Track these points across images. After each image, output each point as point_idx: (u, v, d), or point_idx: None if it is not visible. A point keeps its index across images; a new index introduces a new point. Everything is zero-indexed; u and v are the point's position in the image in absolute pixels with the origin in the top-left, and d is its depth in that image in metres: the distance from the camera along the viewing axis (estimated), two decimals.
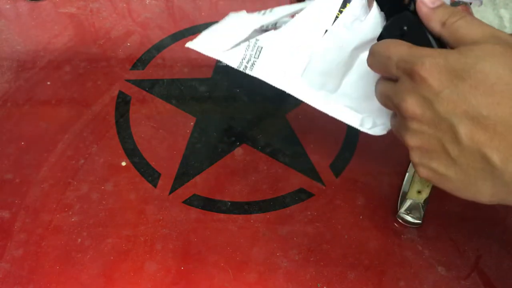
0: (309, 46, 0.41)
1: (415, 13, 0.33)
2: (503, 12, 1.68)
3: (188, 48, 0.43)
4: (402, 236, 0.46)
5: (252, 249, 0.44)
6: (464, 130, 0.27)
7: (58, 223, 0.45)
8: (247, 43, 0.43)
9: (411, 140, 0.31)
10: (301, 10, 0.42)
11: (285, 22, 0.43)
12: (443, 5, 0.32)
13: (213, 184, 0.49)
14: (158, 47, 0.61)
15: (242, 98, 0.56)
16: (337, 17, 0.40)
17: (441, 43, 0.32)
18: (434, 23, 0.32)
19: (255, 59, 0.42)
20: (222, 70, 0.58)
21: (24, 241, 0.44)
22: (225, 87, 0.57)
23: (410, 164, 0.49)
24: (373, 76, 0.37)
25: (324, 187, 0.49)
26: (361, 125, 0.41)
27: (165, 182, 0.49)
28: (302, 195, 0.48)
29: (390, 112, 0.38)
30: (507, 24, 1.65)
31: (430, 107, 0.29)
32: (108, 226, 0.45)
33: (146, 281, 0.42)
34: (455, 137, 0.28)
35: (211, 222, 0.46)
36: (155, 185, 0.48)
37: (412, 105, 0.29)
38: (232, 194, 0.48)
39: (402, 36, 0.34)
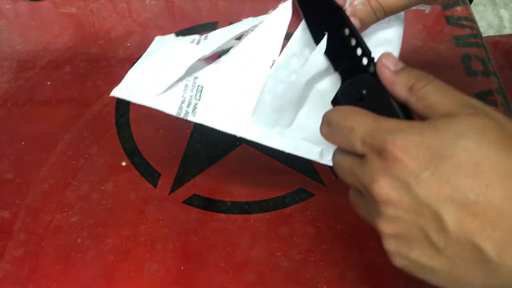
0: (256, 80, 0.36)
1: (375, 75, 0.29)
2: (503, 12, 1.68)
3: None
4: None
5: (252, 249, 0.44)
6: (450, 217, 0.24)
7: (58, 223, 0.45)
8: (184, 82, 0.37)
9: (385, 227, 0.27)
10: (241, 34, 0.37)
11: (226, 52, 0.38)
12: (407, 68, 0.29)
13: (213, 184, 0.49)
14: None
15: None
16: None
17: (406, 110, 0.29)
18: (399, 88, 0.28)
19: (196, 101, 0.36)
20: None
21: (24, 241, 0.44)
22: None
23: None
24: (330, 106, 0.34)
25: (324, 187, 0.49)
26: (320, 157, 0.38)
27: (165, 182, 0.49)
28: (302, 195, 0.48)
29: None
30: (507, 24, 1.65)
31: (408, 191, 0.25)
32: (108, 226, 0.45)
33: (146, 281, 0.42)
34: (440, 225, 0.24)
35: (211, 222, 0.46)
36: (155, 185, 0.48)
37: (386, 188, 0.26)
38: (232, 194, 0.48)
39: (361, 101, 0.30)
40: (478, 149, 0.24)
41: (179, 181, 0.49)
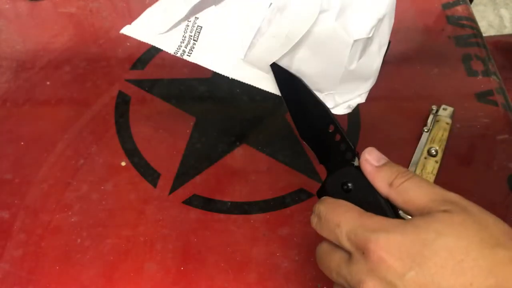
0: (253, 23, 0.36)
1: (359, 169, 0.31)
2: (504, 11, 1.68)
3: None
4: None
5: (252, 250, 0.44)
6: None
7: (58, 223, 0.45)
8: (186, 23, 0.37)
9: None
10: None
11: None
12: (388, 163, 0.30)
13: (213, 184, 0.49)
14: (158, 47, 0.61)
15: (242, 98, 0.56)
16: None
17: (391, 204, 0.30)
18: (380, 183, 0.30)
19: (194, 42, 0.37)
20: None
21: (24, 241, 0.44)
22: (225, 87, 0.57)
23: (410, 164, 0.49)
24: (329, 51, 0.34)
25: None
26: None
27: (165, 182, 0.49)
28: (302, 195, 0.48)
29: (354, 90, 0.35)
30: (507, 24, 1.65)
31: None
32: (108, 226, 0.45)
33: (146, 282, 0.42)
34: None
35: (211, 222, 0.46)
36: (155, 185, 0.48)
37: None
38: (232, 194, 0.48)
39: (348, 193, 0.31)
40: (458, 247, 0.25)
41: (179, 181, 0.49)
